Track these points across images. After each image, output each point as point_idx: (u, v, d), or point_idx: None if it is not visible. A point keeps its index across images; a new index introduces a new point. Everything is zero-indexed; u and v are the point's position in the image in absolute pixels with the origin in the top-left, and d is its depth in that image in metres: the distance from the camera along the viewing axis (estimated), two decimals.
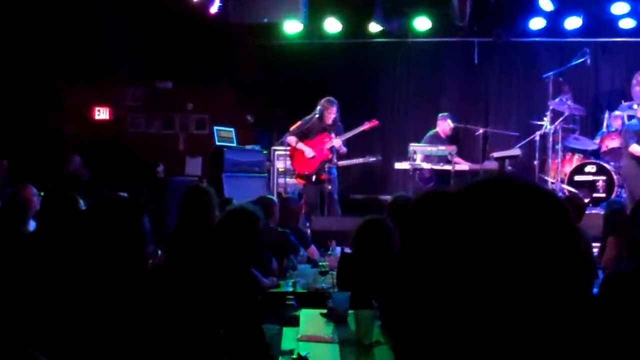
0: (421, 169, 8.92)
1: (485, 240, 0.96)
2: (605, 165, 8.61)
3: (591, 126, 9.72)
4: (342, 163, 8.74)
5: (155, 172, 10.58)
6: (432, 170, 8.91)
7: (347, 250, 4.84)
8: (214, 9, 9.57)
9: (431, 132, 9.44)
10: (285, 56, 10.40)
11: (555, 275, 0.95)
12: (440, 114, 9.51)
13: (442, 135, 9.39)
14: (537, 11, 9.58)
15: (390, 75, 10.75)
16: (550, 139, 8.74)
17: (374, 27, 9.91)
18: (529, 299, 0.94)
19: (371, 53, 10.54)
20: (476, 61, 10.09)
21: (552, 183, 8.58)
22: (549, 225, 0.97)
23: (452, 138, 9.45)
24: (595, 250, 5.64)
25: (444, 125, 9.38)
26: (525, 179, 1.08)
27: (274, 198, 5.89)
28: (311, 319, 3.45)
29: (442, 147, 8.90)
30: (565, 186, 8.49)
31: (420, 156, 8.93)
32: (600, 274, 4.31)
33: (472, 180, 1.03)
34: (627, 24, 9.55)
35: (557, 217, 0.98)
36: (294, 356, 2.71)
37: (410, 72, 10.71)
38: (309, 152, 8.52)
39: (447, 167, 8.74)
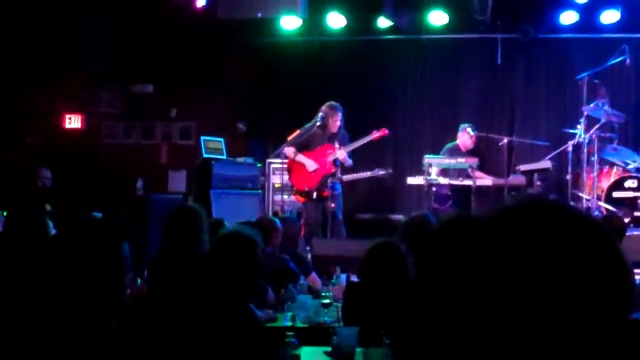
0: (437, 185, 8.92)
1: (524, 275, 0.95)
2: None
3: (632, 135, 9.72)
4: (347, 177, 8.74)
5: (134, 189, 10.57)
6: (450, 185, 8.90)
7: (354, 278, 4.82)
8: (200, 3, 9.62)
9: (450, 145, 9.44)
10: (282, 56, 10.44)
11: (605, 315, 0.96)
12: (461, 126, 9.51)
13: (463, 149, 9.40)
14: (569, 4, 9.62)
15: (402, 77, 10.78)
16: (585, 150, 8.72)
17: (383, 22, 9.95)
18: (571, 342, 0.94)
19: (380, 52, 10.59)
20: (499, 61, 10.13)
21: (587, 200, 8.56)
22: (596, 259, 0.96)
23: (474, 151, 9.45)
24: (638, 277, 5.62)
25: (465, 137, 9.39)
26: (563, 202, 1.08)
27: (276, 220, 5.86)
28: (313, 359, 3.43)
29: (461, 159, 8.91)
30: (602, 204, 8.47)
31: (436, 170, 8.93)
32: None
33: (503, 205, 1.02)
34: None
35: (604, 249, 0.97)
36: None
37: (424, 73, 10.75)
38: (309, 165, 8.52)
39: (467, 182, 8.74)
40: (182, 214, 4.65)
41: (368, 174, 8.86)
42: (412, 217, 4.72)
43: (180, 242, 4.46)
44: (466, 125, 9.50)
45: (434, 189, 8.94)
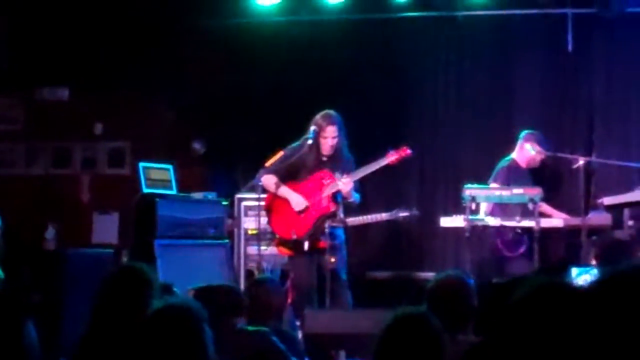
0: (486, 227, 8.87)
1: None
2: None
3: None
4: (353, 221, 8.72)
5: (43, 241, 10.50)
6: (514, 228, 8.83)
7: None
8: None
9: (505, 163, 9.37)
10: (255, 44, 10.46)
11: None
12: (523, 134, 9.46)
13: (523, 166, 9.36)
14: None
15: (429, 72, 10.81)
16: None
17: None
18: None
19: (397, 36, 10.62)
20: (570, 47, 10.14)
21: None
22: None
23: (541, 171, 9.42)
24: None
25: (528, 150, 9.34)
26: None
27: (237, 287, 5.84)
28: None
29: (518, 190, 8.87)
30: None
31: (485, 205, 8.92)
32: None
33: (606, 273, 1.03)
34: None
35: None
36: None
37: (461, 66, 10.77)
38: (297, 202, 8.51)
39: (527, 222, 8.70)
40: (123, 279, 4.59)
41: (384, 216, 8.83)
42: (441, 278, 4.79)
43: (119, 321, 4.39)
44: (531, 132, 9.46)
45: (494, 232, 8.97)
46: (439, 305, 4.47)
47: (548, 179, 9.59)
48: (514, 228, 8.82)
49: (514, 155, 9.45)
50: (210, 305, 5.38)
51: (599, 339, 1.00)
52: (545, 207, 9.03)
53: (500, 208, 9.02)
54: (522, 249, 8.82)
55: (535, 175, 9.40)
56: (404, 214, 8.79)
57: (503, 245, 8.94)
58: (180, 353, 3.41)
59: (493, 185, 9.18)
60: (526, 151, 9.39)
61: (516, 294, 2.72)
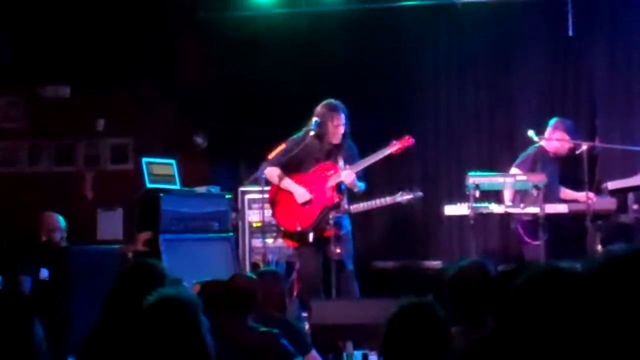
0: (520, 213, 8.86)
1: None
2: None
3: None
4: (357, 208, 8.72)
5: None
6: (544, 216, 8.75)
7: (373, 356, 4.79)
8: None
9: (533, 148, 9.24)
10: (256, 37, 10.44)
11: None
12: (553, 120, 9.33)
13: (551, 153, 9.27)
14: None
15: (430, 61, 10.80)
16: None
17: None
18: None
19: (397, 26, 10.61)
20: (571, 32, 10.12)
21: None
22: None
23: (568, 161, 9.34)
24: None
25: (558, 137, 9.20)
26: None
27: (252, 276, 5.84)
28: None
29: (521, 177, 8.86)
30: None
31: (508, 193, 8.96)
32: None
33: (602, 256, 1.03)
34: None
35: None
36: None
37: (462, 54, 10.76)
38: (301, 194, 8.53)
39: (531, 209, 8.68)
40: (137, 274, 4.59)
41: (388, 200, 8.80)
42: (463, 267, 4.78)
43: (132, 317, 4.38)
44: (559, 120, 9.35)
45: (516, 219, 8.97)
46: (456, 296, 4.54)
47: (575, 167, 9.47)
48: (534, 214, 8.77)
49: (542, 143, 9.38)
50: (220, 301, 5.42)
51: (599, 325, 1.01)
52: (569, 193, 9.14)
53: (521, 195, 9.00)
54: (543, 237, 8.73)
55: (564, 163, 9.36)
56: (407, 196, 8.75)
57: (523, 231, 8.92)
58: (176, 343, 3.42)
59: (514, 170, 9.15)
60: (554, 138, 9.27)
61: (515, 282, 2.71)
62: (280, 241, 8.99)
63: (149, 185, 9.17)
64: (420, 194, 8.84)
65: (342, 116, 8.50)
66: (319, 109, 8.52)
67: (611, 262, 0.97)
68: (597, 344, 1.12)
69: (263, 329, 5.42)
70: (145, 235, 8.89)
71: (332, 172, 8.52)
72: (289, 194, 8.57)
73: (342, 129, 8.52)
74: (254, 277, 5.94)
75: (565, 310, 2.05)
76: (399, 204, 8.83)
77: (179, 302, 3.50)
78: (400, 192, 8.76)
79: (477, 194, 8.66)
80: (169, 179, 9.41)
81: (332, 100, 8.55)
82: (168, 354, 3.39)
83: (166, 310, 3.49)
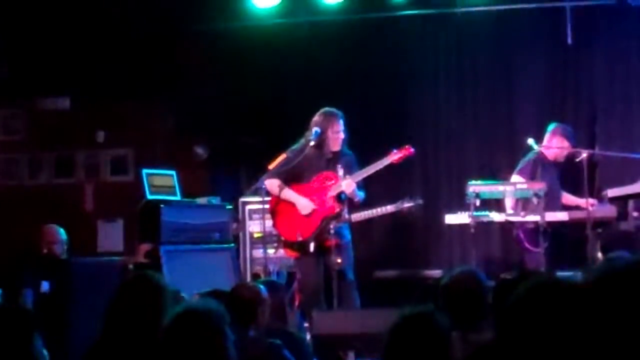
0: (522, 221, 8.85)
1: None
2: None
3: None
4: (358, 217, 8.72)
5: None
6: (545, 223, 8.74)
7: None
8: None
9: (532, 154, 9.25)
10: (255, 47, 10.45)
11: None
12: (552, 126, 9.35)
13: (551, 159, 9.27)
14: None
15: (430, 69, 10.81)
16: None
17: None
18: None
19: (396, 35, 10.63)
20: (570, 40, 10.13)
21: None
22: None
23: (565, 167, 9.33)
24: None
25: (556, 143, 9.21)
26: None
27: (261, 287, 5.81)
28: None
29: (522, 185, 8.86)
30: None
31: (509, 201, 8.94)
32: None
33: (603, 269, 1.04)
34: None
35: None
36: None
37: (461, 63, 10.77)
38: (302, 204, 8.52)
39: (532, 217, 8.69)
40: (137, 286, 4.58)
41: (389, 208, 8.79)
42: (455, 275, 4.77)
43: (133, 329, 4.38)
44: (558, 126, 9.36)
45: (518, 226, 8.95)
46: (452, 302, 4.53)
47: (575, 172, 9.45)
48: (535, 222, 8.76)
49: (541, 148, 9.32)
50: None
51: (600, 337, 1.01)
52: (571, 199, 9.17)
53: (522, 202, 8.99)
54: (544, 244, 8.70)
55: (563, 169, 9.35)
56: (408, 204, 8.76)
57: (525, 238, 8.91)
58: (202, 357, 3.41)
59: (516, 177, 9.14)
60: (552, 144, 9.28)
61: (516, 292, 2.72)
62: (281, 251, 9.00)
63: (150, 197, 9.17)
64: (420, 201, 8.86)
65: (341, 122, 8.53)
66: (317, 118, 8.53)
67: (611, 273, 0.97)
68: (598, 357, 1.12)
69: (265, 339, 5.41)
70: (146, 247, 8.91)
71: (333, 181, 8.51)
72: (290, 204, 8.56)
73: (342, 136, 8.54)
74: (260, 285, 5.93)
75: (566, 322, 2.05)
76: (399, 213, 8.85)
77: (207, 314, 3.49)
78: (401, 201, 8.77)
79: (478, 202, 8.67)
80: (169, 190, 9.41)
81: (329, 109, 8.57)
82: None
83: (194, 322, 3.47)
